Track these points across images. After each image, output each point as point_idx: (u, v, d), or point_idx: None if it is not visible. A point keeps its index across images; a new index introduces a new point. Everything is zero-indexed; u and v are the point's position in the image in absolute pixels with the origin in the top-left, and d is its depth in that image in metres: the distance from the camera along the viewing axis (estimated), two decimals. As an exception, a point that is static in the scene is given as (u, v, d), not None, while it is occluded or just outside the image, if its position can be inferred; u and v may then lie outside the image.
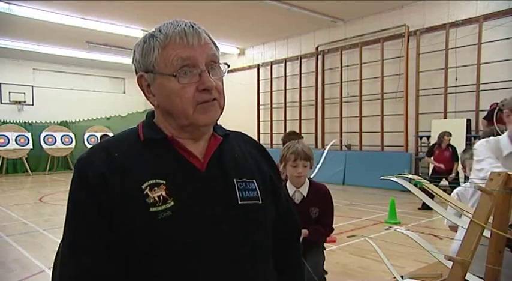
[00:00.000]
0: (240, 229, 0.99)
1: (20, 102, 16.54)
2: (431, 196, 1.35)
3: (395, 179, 1.46)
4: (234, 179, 1.02)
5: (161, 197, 0.92)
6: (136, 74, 1.04)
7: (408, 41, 10.52)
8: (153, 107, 1.05)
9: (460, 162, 4.74)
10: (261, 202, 1.04)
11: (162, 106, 1.01)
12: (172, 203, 0.92)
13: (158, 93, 1.00)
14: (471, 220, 0.92)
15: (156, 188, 0.93)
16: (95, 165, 0.94)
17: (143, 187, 0.92)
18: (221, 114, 1.04)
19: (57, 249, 1.08)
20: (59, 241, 0.98)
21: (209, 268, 0.93)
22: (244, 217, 1.00)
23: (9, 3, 10.23)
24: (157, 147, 0.99)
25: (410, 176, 1.42)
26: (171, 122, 1.01)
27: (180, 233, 0.91)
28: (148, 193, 0.92)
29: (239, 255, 0.97)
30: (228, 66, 1.04)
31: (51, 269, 3.91)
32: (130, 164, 0.95)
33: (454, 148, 7.74)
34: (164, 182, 0.94)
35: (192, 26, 0.98)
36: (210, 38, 1.02)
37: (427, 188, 1.21)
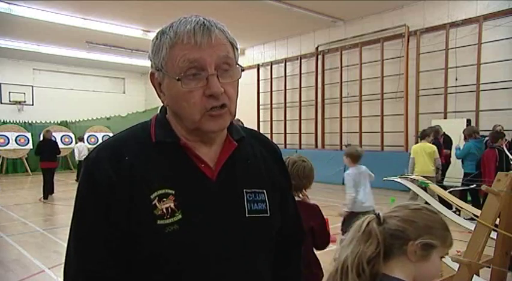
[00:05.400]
0: (245, 242, 0.96)
1: (20, 102, 16.54)
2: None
3: (398, 179, 1.46)
4: (244, 190, 0.99)
5: (169, 210, 0.89)
6: None
7: (408, 41, 10.51)
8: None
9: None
10: (268, 215, 1.01)
11: (171, 107, 0.97)
12: (180, 216, 0.90)
13: (167, 93, 0.95)
14: (478, 221, 0.91)
15: (164, 199, 0.90)
16: (103, 166, 0.91)
17: (152, 197, 0.89)
18: (232, 120, 1.00)
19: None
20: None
21: (214, 278, 0.92)
22: (250, 229, 0.97)
23: (9, 3, 10.22)
24: (168, 151, 0.95)
25: (413, 177, 1.41)
26: (180, 123, 0.97)
27: (185, 246, 0.90)
28: (157, 204, 0.89)
29: (242, 266, 0.96)
30: (243, 69, 0.97)
31: (51, 269, 3.86)
32: (139, 170, 0.91)
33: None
34: (173, 192, 0.91)
35: (204, 24, 0.90)
36: (227, 36, 0.94)
37: (433, 189, 1.20)
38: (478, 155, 6.84)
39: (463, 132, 7.20)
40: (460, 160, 7.24)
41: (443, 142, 7.81)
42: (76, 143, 15.99)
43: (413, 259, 1.05)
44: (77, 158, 13.29)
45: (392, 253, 1.06)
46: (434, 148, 6.84)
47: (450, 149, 8.01)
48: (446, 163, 7.90)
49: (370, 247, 1.06)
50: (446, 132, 8.20)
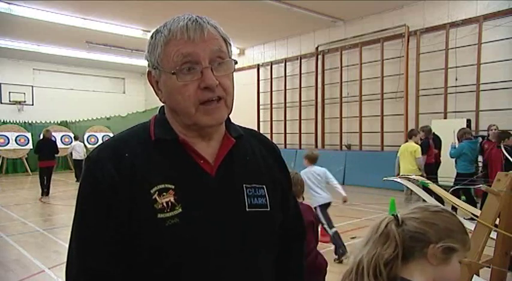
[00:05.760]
0: (245, 236, 0.97)
1: (20, 102, 16.54)
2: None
3: (398, 179, 1.45)
4: (244, 185, 1.00)
5: (169, 204, 0.90)
6: None
7: (408, 41, 10.51)
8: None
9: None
10: (268, 209, 1.02)
11: (168, 103, 0.99)
12: (180, 210, 0.91)
13: (163, 90, 0.98)
14: (478, 221, 0.90)
15: (164, 193, 0.91)
16: (105, 166, 0.92)
17: (152, 191, 0.91)
18: (229, 114, 1.01)
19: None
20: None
21: (214, 272, 0.93)
22: (251, 224, 0.98)
23: (9, 3, 10.22)
24: (167, 148, 0.97)
25: (414, 177, 1.41)
26: (177, 119, 0.98)
27: (186, 240, 0.91)
28: (157, 198, 0.90)
29: (242, 260, 0.96)
30: (236, 62, 0.99)
31: (51, 269, 3.86)
32: (140, 167, 0.93)
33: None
34: (173, 187, 0.92)
35: (196, 20, 0.94)
36: (219, 32, 0.97)
37: (433, 189, 1.20)
38: (471, 155, 6.94)
39: (456, 134, 7.30)
40: (454, 160, 7.32)
41: (432, 141, 7.91)
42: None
43: (434, 262, 1.02)
44: (70, 156, 13.50)
45: (412, 256, 1.03)
46: (417, 147, 7.01)
47: (440, 148, 8.15)
48: (436, 162, 8.09)
49: (387, 249, 1.03)
50: (444, 132, 8.29)
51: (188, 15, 0.95)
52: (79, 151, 13.04)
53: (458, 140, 7.21)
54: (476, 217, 1.12)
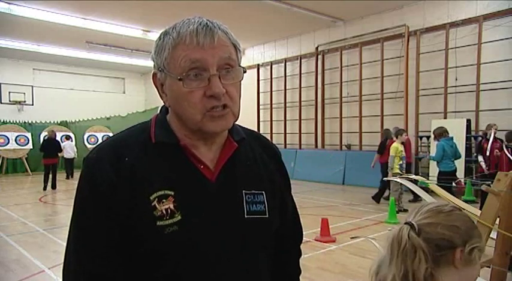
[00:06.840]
0: (244, 242, 0.97)
1: (20, 102, 16.55)
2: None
3: (398, 179, 1.46)
4: (243, 191, 0.99)
5: (169, 211, 0.90)
6: None
7: (408, 41, 10.51)
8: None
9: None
10: (267, 216, 1.01)
11: (172, 108, 0.97)
12: (179, 217, 0.90)
13: (168, 94, 0.95)
14: (478, 221, 0.90)
15: (164, 200, 0.90)
16: (104, 168, 0.91)
17: (151, 198, 0.90)
18: (235, 122, 0.99)
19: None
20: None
21: (214, 278, 0.93)
22: (249, 230, 0.98)
23: (9, 3, 10.22)
24: (168, 151, 0.95)
25: (413, 176, 1.41)
26: (182, 123, 0.96)
27: (184, 247, 0.90)
28: (156, 205, 0.89)
29: (242, 265, 0.96)
30: (245, 71, 0.97)
31: (51, 269, 3.87)
32: (140, 171, 0.92)
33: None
34: (172, 193, 0.91)
35: (207, 25, 0.90)
36: (230, 38, 0.95)
37: (433, 189, 1.20)
38: (450, 153, 7.01)
39: (433, 132, 7.42)
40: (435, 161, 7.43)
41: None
42: (76, 142, 16.06)
43: (459, 266, 0.96)
44: (65, 156, 13.94)
45: (438, 266, 0.96)
46: (393, 147, 7.57)
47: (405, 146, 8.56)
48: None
49: (420, 264, 0.94)
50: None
51: (199, 19, 0.92)
52: (69, 150, 13.74)
53: (435, 138, 7.34)
54: (475, 216, 1.12)
